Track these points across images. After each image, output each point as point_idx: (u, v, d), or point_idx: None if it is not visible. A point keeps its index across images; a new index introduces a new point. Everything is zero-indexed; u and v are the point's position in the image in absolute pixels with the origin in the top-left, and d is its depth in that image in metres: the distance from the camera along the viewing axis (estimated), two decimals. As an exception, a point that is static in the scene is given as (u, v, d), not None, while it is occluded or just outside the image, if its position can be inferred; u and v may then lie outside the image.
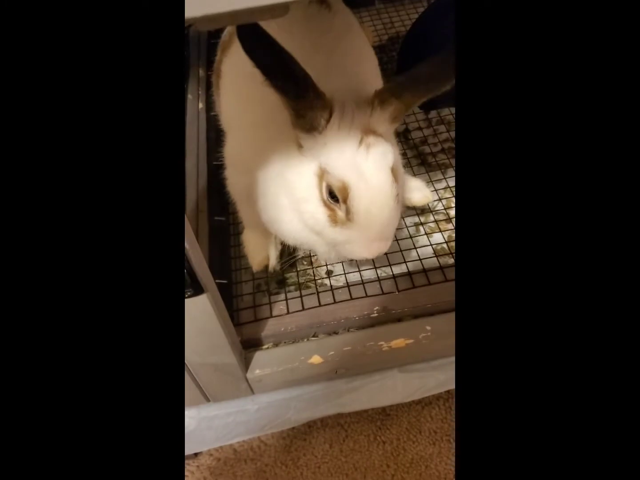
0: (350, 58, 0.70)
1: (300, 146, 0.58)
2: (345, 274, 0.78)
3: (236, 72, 0.70)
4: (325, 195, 0.57)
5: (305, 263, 0.81)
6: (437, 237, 0.85)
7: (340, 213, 0.57)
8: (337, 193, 0.56)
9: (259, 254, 0.77)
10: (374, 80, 0.76)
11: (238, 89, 0.70)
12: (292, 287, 0.78)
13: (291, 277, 0.80)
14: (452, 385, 0.76)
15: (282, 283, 0.79)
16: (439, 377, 0.74)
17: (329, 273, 0.80)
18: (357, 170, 0.55)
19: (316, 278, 0.79)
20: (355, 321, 0.72)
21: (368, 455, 0.92)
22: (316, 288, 0.76)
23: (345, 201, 0.56)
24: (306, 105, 0.53)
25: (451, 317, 0.70)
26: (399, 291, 0.73)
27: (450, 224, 0.88)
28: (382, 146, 0.56)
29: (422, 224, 0.88)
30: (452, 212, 0.91)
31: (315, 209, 0.58)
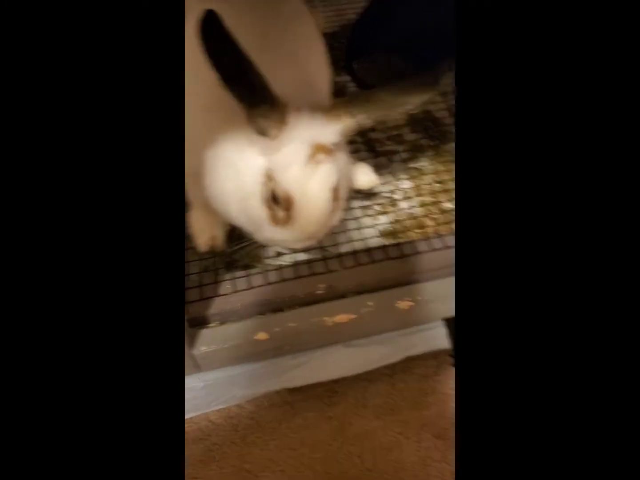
0: (302, 49, 0.71)
1: (252, 143, 0.59)
2: (292, 253, 0.80)
3: (186, 54, 0.69)
4: (269, 196, 0.59)
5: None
6: (382, 219, 0.88)
7: (280, 215, 0.59)
8: (280, 200, 0.58)
9: (205, 233, 0.77)
10: (323, 73, 0.77)
11: (188, 72, 0.69)
12: (239, 267, 0.79)
13: (238, 256, 0.81)
14: (394, 359, 0.80)
15: (228, 262, 0.80)
16: (382, 351, 0.77)
17: (278, 254, 0.81)
18: (302, 186, 0.58)
19: (263, 257, 0.80)
20: (301, 299, 0.74)
21: (315, 431, 0.95)
22: (263, 267, 0.78)
23: (287, 209, 0.58)
24: (260, 114, 0.54)
25: (392, 292, 0.74)
26: (343, 269, 0.76)
27: (395, 207, 0.91)
28: (329, 165, 0.58)
29: (368, 206, 0.91)
30: (397, 196, 0.94)
31: (258, 207, 0.60)
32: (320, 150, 0.58)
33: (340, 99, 0.62)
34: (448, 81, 1.10)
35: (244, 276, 0.76)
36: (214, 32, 0.50)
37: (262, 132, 0.57)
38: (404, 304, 0.73)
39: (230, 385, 0.76)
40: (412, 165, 0.99)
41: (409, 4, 1.01)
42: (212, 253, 0.79)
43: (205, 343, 0.70)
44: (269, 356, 0.75)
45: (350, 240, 0.81)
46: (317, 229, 0.62)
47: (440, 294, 0.74)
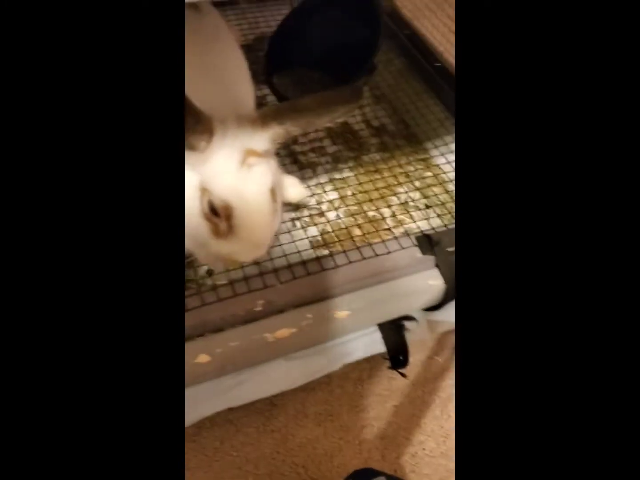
0: (223, 62, 0.71)
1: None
2: (227, 271, 0.79)
3: None
4: (207, 209, 0.58)
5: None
6: (312, 231, 0.90)
7: (222, 226, 0.59)
8: (219, 211, 0.57)
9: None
10: (246, 86, 0.77)
11: None
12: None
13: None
14: (333, 367, 0.82)
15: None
16: (321, 361, 0.79)
17: (210, 272, 0.80)
18: (238, 191, 0.57)
19: (198, 278, 0.79)
20: (241, 317, 0.74)
21: (258, 446, 0.95)
22: (198, 288, 0.76)
23: (227, 219, 0.57)
24: (187, 129, 0.53)
25: (330, 303, 0.76)
26: (280, 283, 0.77)
27: (323, 218, 0.94)
28: (263, 167, 0.59)
29: (297, 218, 0.93)
30: (324, 207, 0.96)
31: (199, 222, 0.59)
32: (250, 154, 0.58)
33: (268, 107, 0.63)
34: (365, 95, 1.15)
35: (179, 298, 0.74)
36: None
37: (191, 147, 0.56)
38: (341, 314, 0.75)
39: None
40: (336, 176, 1.02)
41: (326, 20, 1.04)
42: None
43: (143, 371, 0.68)
44: (210, 377, 0.74)
45: (285, 255, 0.81)
46: (262, 235, 0.61)
47: (374, 301, 0.77)
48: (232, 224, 0.58)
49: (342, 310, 0.75)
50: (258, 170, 0.58)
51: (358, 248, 0.82)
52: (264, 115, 0.60)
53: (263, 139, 0.60)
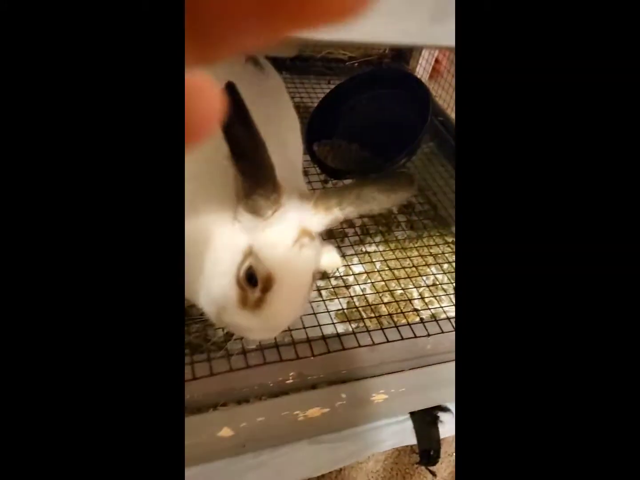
0: (284, 129, 0.70)
1: (237, 220, 0.55)
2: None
3: None
4: (242, 275, 0.55)
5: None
6: (336, 302, 0.86)
7: (253, 297, 0.55)
8: (259, 281, 0.54)
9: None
10: (300, 154, 0.77)
11: None
12: (199, 350, 0.71)
13: (194, 339, 0.73)
14: (362, 456, 0.75)
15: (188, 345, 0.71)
16: (349, 448, 0.72)
17: (229, 337, 0.74)
18: (285, 267, 0.55)
19: (214, 338, 0.72)
20: (269, 388, 0.67)
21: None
22: (227, 351, 0.70)
23: (263, 291, 0.54)
24: (261, 194, 0.52)
25: (367, 384, 0.70)
26: (314, 356, 0.71)
27: (348, 290, 0.90)
28: (313, 249, 0.57)
29: (324, 288, 0.89)
30: (350, 279, 0.93)
31: (228, 286, 0.55)
32: (305, 234, 0.56)
33: (329, 191, 0.61)
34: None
35: (205, 360, 0.67)
36: (233, 105, 0.47)
37: (256, 211, 0.54)
38: (378, 397, 0.69)
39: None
40: (362, 249, 1.00)
41: (371, 98, 1.08)
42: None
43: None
44: (227, 455, 0.66)
45: (320, 324, 0.77)
46: (287, 319, 0.59)
47: (413, 386, 0.72)
48: (264, 299, 0.54)
49: (378, 393, 0.70)
50: (308, 252, 0.56)
51: (397, 327, 0.78)
52: (326, 199, 0.59)
53: (320, 222, 0.59)
